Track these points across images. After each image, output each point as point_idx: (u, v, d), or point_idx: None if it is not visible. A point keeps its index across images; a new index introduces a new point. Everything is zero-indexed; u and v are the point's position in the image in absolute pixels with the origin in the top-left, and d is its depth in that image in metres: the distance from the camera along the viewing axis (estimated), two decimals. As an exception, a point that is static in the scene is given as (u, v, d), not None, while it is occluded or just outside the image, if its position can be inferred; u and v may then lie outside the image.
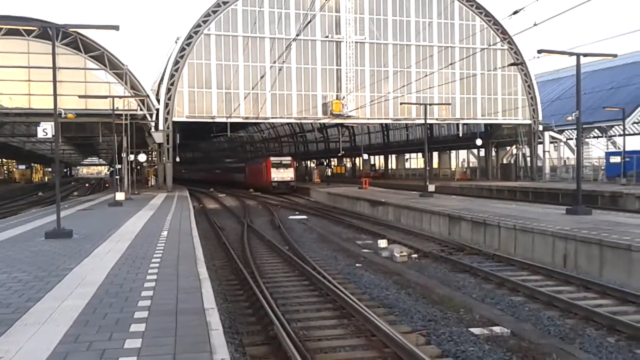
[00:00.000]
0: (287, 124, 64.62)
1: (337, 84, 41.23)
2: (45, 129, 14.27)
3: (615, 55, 21.13)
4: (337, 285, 10.35)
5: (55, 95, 13.85)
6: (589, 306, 9.21)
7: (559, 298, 9.74)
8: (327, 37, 40.63)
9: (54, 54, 13.87)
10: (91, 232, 14.24)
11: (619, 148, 40.61)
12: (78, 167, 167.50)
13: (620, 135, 41.62)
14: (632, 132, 45.55)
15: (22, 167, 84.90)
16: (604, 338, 7.97)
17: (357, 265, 13.80)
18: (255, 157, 75.25)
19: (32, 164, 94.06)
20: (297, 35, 35.52)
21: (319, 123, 50.18)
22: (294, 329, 8.02)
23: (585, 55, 18.28)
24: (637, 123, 47.82)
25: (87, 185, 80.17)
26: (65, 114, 26.01)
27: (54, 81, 13.81)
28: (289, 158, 48.92)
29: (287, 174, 45.53)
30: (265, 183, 45.64)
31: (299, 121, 47.30)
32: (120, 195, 25.52)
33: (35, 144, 68.21)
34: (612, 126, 44.63)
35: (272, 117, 41.48)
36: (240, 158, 76.69)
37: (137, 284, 7.93)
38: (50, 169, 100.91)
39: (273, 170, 45.04)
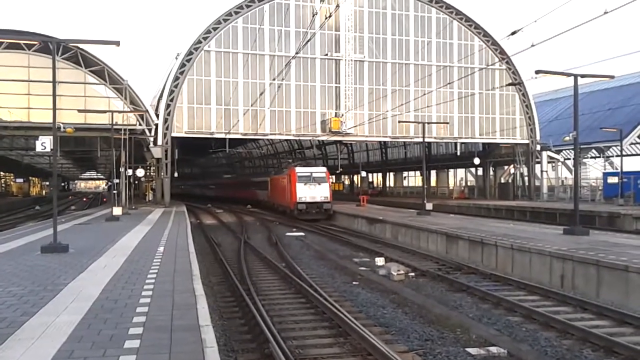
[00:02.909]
0: (286, 140, 64.54)
1: (336, 102, 41.40)
2: (44, 143, 14.29)
3: (612, 77, 21.40)
4: (333, 303, 10.29)
5: (54, 109, 13.92)
6: (586, 327, 9.17)
7: (556, 318, 9.70)
8: (326, 55, 40.90)
9: (54, 68, 13.94)
10: (87, 247, 14.19)
11: (617, 168, 40.74)
12: (76, 181, 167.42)
13: (617, 155, 41.78)
14: (629, 153, 45.73)
15: (20, 180, 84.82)
16: (601, 359, 7.92)
17: (354, 283, 13.74)
18: (282, 168, 57.83)
19: (30, 178, 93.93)
20: (297, 52, 35.74)
21: (318, 140, 50.08)
22: (290, 347, 7.97)
23: (582, 76, 18.40)
24: (634, 144, 48.07)
25: (84, 199, 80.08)
26: (64, 128, 25.99)
27: (54, 95, 13.88)
28: (324, 169, 36.10)
29: (320, 192, 33.44)
30: (288, 204, 34.49)
31: (297, 138, 47.22)
32: (117, 210, 25.53)
33: (34, 157, 68.26)
34: (610, 147, 44.83)
35: (271, 134, 41.52)
36: (261, 170, 69.04)
37: (132, 299, 7.90)
38: (48, 183, 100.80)
39: (299, 186, 33.13)
